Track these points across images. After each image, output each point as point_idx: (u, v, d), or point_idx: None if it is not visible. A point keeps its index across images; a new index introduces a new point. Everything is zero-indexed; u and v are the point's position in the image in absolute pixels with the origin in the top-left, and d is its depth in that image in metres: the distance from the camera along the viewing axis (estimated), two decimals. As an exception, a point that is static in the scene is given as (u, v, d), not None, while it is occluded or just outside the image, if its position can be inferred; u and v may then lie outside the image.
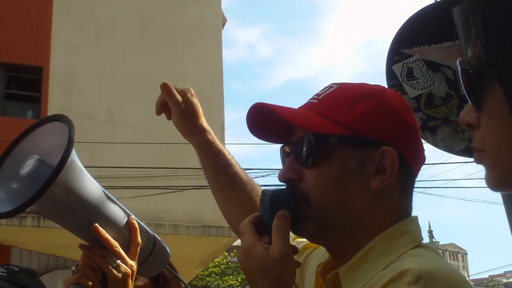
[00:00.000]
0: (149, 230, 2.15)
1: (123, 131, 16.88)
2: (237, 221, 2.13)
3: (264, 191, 1.69)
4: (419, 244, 1.60)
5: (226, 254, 32.90)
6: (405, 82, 3.22)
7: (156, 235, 2.17)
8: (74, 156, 1.83)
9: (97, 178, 1.98)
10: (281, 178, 1.70)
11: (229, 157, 2.20)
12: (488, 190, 1.12)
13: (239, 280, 32.94)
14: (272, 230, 1.59)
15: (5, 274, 3.05)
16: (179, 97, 2.15)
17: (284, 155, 1.75)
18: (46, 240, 14.48)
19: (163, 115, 2.20)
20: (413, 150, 1.67)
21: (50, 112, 16.19)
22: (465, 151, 3.25)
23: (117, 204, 2.04)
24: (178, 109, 2.15)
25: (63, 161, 1.75)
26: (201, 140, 2.18)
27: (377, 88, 1.74)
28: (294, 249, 1.66)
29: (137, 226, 2.06)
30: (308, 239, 1.76)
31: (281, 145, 1.79)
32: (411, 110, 1.74)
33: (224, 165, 2.17)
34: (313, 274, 1.84)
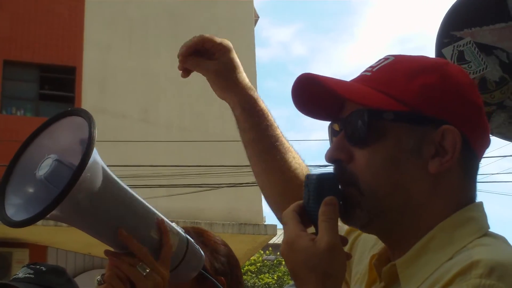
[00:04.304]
0: (180, 231, 1.97)
1: (157, 130, 16.95)
2: (275, 193, 2.00)
3: (308, 176, 1.52)
4: (486, 233, 1.44)
5: (262, 252, 32.85)
6: (456, 66, 3.05)
7: (188, 237, 1.99)
8: (96, 155, 1.65)
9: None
10: (328, 159, 1.53)
11: (272, 118, 2.02)
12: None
13: (275, 278, 32.87)
14: (318, 219, 1.44)
15: (32, 276, 2.93)
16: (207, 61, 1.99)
17: (333, 133, 1.60)
18: (82, 239, 14.48)
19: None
20: (478, 130, 1.50)
21: (84, 112, 16.26)
22: (523, 139, 3.09)
23: (145, 205, 1.86)
24: (213, 67, 1.99)
25: (84, 162, 1.57)
26: (244, 98, 1.99)
27: (439, 61, 1.57)
28: (343, 240, 1.50)
29: (168, 229, 1.88)
30: (360, 229, 1.59)
31: (330, 122, 1.63)
32: (476, 86, 1.58)
33: (266, 127, 1.99)
34: (362, 262, 1.70)
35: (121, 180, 1.79)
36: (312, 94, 1.57)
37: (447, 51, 3.01)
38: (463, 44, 3.00)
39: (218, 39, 1.98)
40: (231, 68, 1.99)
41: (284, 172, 1.97)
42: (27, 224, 1.60)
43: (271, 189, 2.02)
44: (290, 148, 2.02)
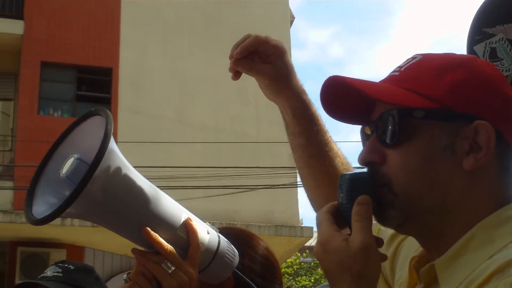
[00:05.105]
0: (212, 229, 1.93)
1: (192, 131, 17.01)
2: (322, 197, 1.96)
3: (342, 176, 1.50)
4: None
5: (299, 254, 32.80)
6: (488, 64, 2.99)
7: (221, 237, 1.95)
8: (115, 150, 1.66)
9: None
10: (361, 161, 1.51)
11: (322, 123, 1.98)
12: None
13: (312, 280, 32.79)
14: (351, 218, 1.42)
15: (61, 274, 2.93)
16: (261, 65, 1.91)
17: (365, 137, 1.57)
18: (119, 240, 14.41)
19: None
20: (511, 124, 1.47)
21: (120, 113, 16.44)
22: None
23: (172, 203, 1.84)
24: (267, 71, 1.91)
25: (99, 157, 1.57)
26: (296, 103, 1.94)
27: (467, 57, 1.56)
28: (379, 241, 1.47)
29: (195, 227, 1.84)
30: (395, 229, 1.57)
31: (361, 126, 1.61)
32: (507, 80, 1.54)
33: (316, 132, 1.95)
34: (405, 266, 1.66)
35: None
36: (341, 97, 1.55)
37: (479, 48, 2.95)
38: (495, 41, 2.94)
39: (273, 41, 1.90)
40: (286, 72, 1.93)
41: (332, 177, 1.93)
42: (45, 221, 1.61)
43: (318, 193, 2.00)
44: (339, 153, 2.00)
